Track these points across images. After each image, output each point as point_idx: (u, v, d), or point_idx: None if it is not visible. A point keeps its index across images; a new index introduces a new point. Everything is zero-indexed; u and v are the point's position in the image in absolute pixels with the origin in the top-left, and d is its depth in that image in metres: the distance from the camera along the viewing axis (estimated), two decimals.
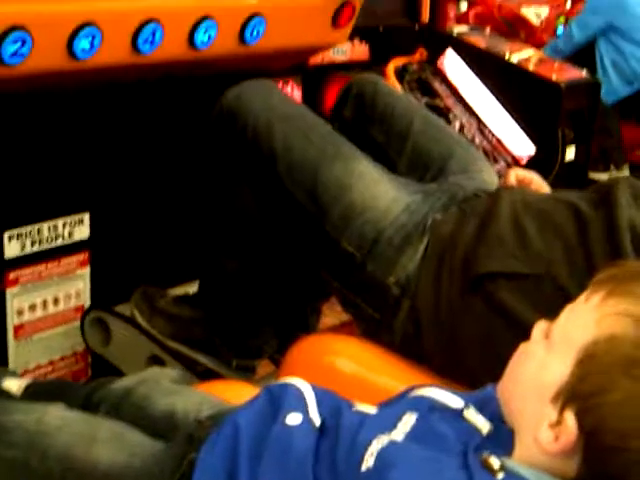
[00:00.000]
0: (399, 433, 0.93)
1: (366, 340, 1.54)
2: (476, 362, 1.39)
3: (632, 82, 4.37)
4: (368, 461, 0.88)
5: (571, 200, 1.44)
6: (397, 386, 1.45)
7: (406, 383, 1.45)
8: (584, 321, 0.85)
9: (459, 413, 0.96)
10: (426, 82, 2.83)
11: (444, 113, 2.81)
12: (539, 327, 0.92)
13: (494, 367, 1.38)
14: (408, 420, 0.95)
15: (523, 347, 0.93)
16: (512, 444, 0.89)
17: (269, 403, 1.03)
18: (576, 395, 0.82)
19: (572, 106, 2.85)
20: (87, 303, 2.01)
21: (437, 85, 2.85)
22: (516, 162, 2.85)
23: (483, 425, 0.94)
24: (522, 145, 2.88)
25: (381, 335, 1.50)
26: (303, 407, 1.01)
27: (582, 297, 0.88)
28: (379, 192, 1.52)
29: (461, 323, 1.40)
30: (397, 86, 2.54)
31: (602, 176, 4.19)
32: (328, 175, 1.53)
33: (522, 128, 2.84)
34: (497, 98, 2.86)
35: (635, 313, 0.82)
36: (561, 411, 0.83)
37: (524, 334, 1.34)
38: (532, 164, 2.81)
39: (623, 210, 1.35)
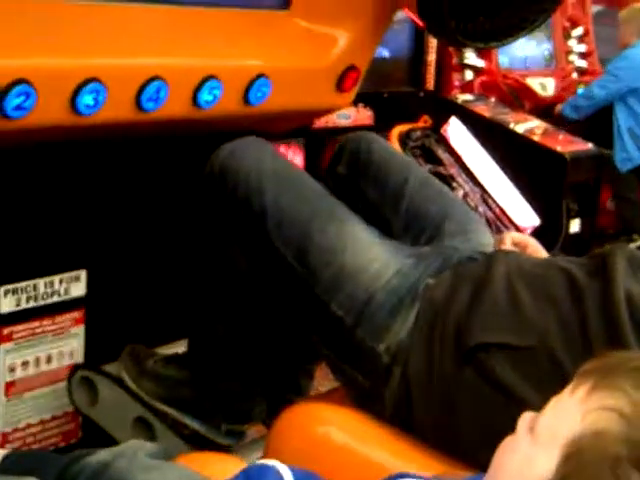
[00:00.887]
0: None
1: (357, 409, 1.50)
2: (469, 434, 1.35)
3: None
4: None
5: (566, 267, 1.41)
6: (388, 459, 1.43)
7: (398, 456, 1.43)
8: (569, 415, 0.83)
9: None
10: (430, 149, 2.83)
11: (447, 181, 2.81)
12: (524, 419, 0.90)
13: (487, 440, 1.35)
14: None
15: (509, 439, 0.90)
16: None
17: None
18: None
19: (577, 178, 2.85)
20: (80, 361, 1.99)
21: (441, 153, 2.86)
22: (519, 232, 2.84)
23: None
24: (526, 216, 2.88)
25: (372, 404, 1.46)
26: None
27: (568, 389, 0.86)
28: (371, 256, 1.50)
29: (453, 394, 1.36)
30: (400, 152, 2.54)
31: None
32: (319, 237, 1.51)
33: (526, 199, 2.83)
34: (501, 168, 2.86)
35: (620, 408, 0.80)
36: None
37: (518, 407, 1.31)
38: (536, 236, 2.79)
39: (620, 280, 1.32)
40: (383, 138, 2.02)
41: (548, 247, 2.92)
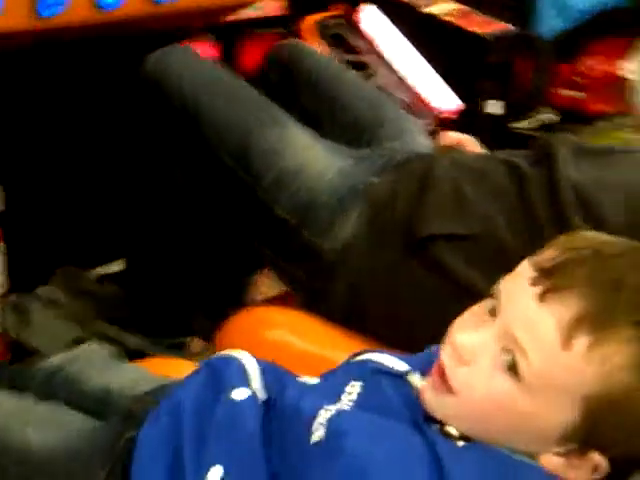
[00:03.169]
0: (346, 402, 0.89)
1: (304, 311, 1.49)
2: (419, 326, 1.35)
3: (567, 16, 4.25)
4: (317, 433, 0.84)
5: (509, 159, 1.42)
6: (340, 356, 1.41)
7: (349, 352, 1.42)
8: (576, 372, 0.77)
9: (403, 377, 0.91)
10: (345, 37, 2.77)
11: (364, 69, 2.76)
12: (473, 345, 0.82)
13: (438, 329, 1.36)
14: (353, 389, 0.91)
15: (465, 375, 0.82)
16: None
17: (211, 378, 0.98)
18: (598, 440, 0.78)
19: (496, 59, 2.83)
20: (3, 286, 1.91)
21: (356, 40, 2.79)
22: (440, 116, 2.83)
23: None
24: (447, 99, 2.85)
25: (319, 305, 1.45)
26: (247, 381, 0.96)
27: (551, 338, 0.78)
28: (312, 157, 1.48)
29: (402, 288, 1.37)
30: (317, 42, 2.48)
31: (523, 124, 4.10)
32: (259, 140, 1.48)
33: (447, 83, 2.80)
34: (420, 53, 2.82)
35: (634, 363, 0.76)
36: (578, 451, 0.79)
37: (467, 295, 1.32)
38: (458, 119, 2.79)
39: (563, 169, 1.34)
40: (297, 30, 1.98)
41: (467, 127, 2.92)
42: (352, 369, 0.96)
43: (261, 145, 1.47)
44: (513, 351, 0.79)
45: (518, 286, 0.82)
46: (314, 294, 1.45)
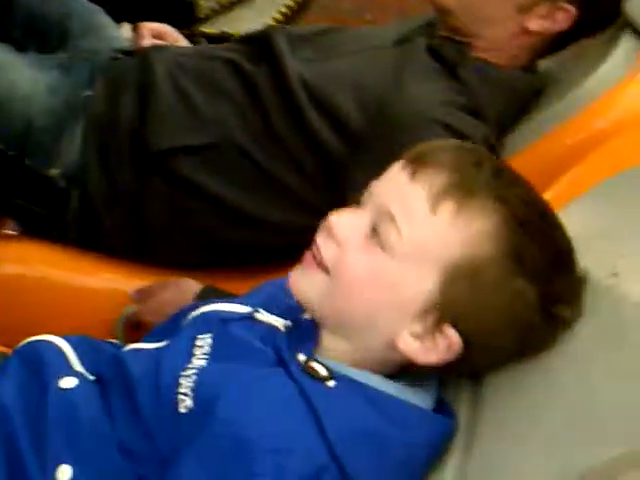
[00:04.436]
0: (200, 359, 0.85)
1: (27, 237, 1.40)
2: (167, 240, 1.35)
3: None
4: (185, 401, 0.81)
5: (229, 57, 1.38)
6: (85, 280, 1.38)
7: (92, 273, 1.38)
8: (442, 237, 0.80)
9: (250, 317, 0.90)
10: None
11: None
12: (347, 227, 0.83)
13: (187, 242, 1.37)
14: (204, 342, 0.87)
15: (338, 253, 0.83)
16: (318, 335, 0.86)
17: (28, 369, 0.91)
18: (452, 311, 0.80)
19: None
20: None
21: None
22: None
23: (278, 322, 0.90)
24: None
25: (50, 231, 1.37)
26: (70, 366, 0.91)
27: (420, 207, 0.81)
28: (14, 76, 1.35)
29: (144, 205, 1.33)
30: None
31: None
32: None
33: None
34: None
35: (498, 230, 0.80)
36: (434, 325, 0.81)
37: (213, 204, 1.34)
38: None
39: (289, 63, 1.33)
40: None
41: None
42: (194, 325, 0.92)
43: None
44: (385, 223, 0.82)
45: (389, 174, 0.85)
46: (44, 221, 1.36)
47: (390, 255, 0.81)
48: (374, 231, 0.82)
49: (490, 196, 0.81)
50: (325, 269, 0.83)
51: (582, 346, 0.82)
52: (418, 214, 0.81)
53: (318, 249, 0.84)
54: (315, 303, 0.85)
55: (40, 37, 1.53)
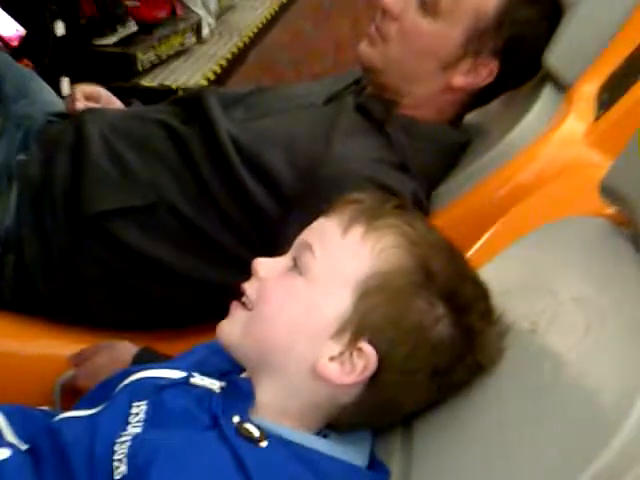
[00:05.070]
0: (135, 426, 0.86)
1: None
2: (104, 301, 1.35)
3: None
4: (120, 467, 0.81)
5: (160, 119, 1.39)
6: (20, 345, 1.37)
7: (28, 338, 1.37)
8: (352, 255, 0.86)
9: (185, 383, 0.91)
10: None
11: None
12: (268, 266, 0.89)
13: (123, 302, 1.37)
14: (139, 409, 0.88)
15: (260, 288, 0.88)
16: (252, 395, 0.88)
17: None
18: (366, 327, 0.84)
19: None
20: None
21: None
22: (6, 44, 2.68)
23: (214, 385, 0.91)
24: (9, 26, 2.71)
25: None
26: (1, 436, 0.90)
27: (333, 233, 0.87)
28: None
29: (80, 268, 1.33)
30: None
31: (112, 39, 3.83)
32: None
33: (5, 9, 2.65)
34: None
35: (406, 245, 0.85)
36: (350, 343, 0.84)
37: (147, 265, 1.34)
38: (25, 46, 2.66)
39: (219, 121, 1.35)
40: None
41: (41, 55, 2.79)
42: (129, 391, 0.92)
43: None
44: (303, 253, 0.87)
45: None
46: None
47: (306, 278, 0.86)
48: (294, 262, 0.88)
49: (397, 218, 0.88)
50: (249, 307, 0.88)
51: (503, 392, 0.85)
52: (332, 239, 0.87)
53: (243, 293, 0.89)
54: (238, 340, 0.88)
55: None
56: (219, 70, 4.17)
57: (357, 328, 0.84)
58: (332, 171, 1.27)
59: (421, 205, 1.30)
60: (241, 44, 4.54)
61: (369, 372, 0.84)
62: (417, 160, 1.32)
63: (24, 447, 0.90)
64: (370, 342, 0.83)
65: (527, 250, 1.07)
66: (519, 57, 1.39)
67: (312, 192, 1.25)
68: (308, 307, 0.86)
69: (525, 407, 0.82)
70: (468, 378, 0.87)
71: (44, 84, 1.63)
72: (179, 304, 1.35)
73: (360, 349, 0.84)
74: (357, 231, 0.87)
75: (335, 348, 0.84)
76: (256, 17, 5.09)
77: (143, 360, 1.18)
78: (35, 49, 2.63)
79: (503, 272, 1.04)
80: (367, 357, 0.83)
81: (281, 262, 0.90)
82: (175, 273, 1.32)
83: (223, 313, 0.91)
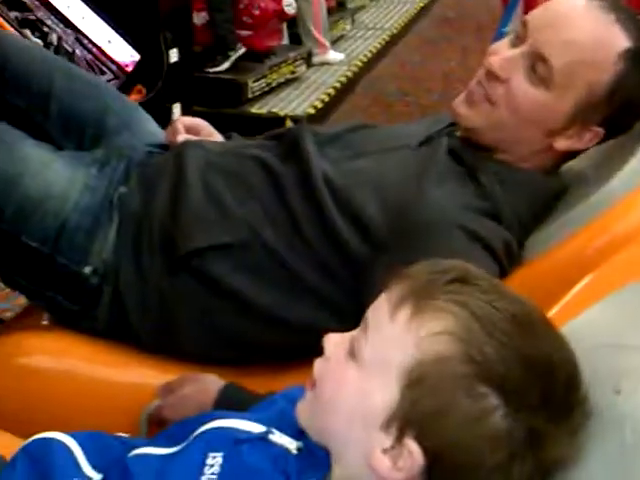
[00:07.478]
0: (210, 478, 0.87)
1: (57, 328, 1.43)
2: (193, 336, 1.37)
3: None
4: None
5: (258, 155, 1.41)
6: (112, 373, 1.40)
7: (119, 367, 1.41)
8: (398, 342, 0.82)
9: (264, 438, 0.91)
10: None
11: (38, 27, 2.63)
12: (334, 343, 0.88)
13: (212, 339, 1.39)
14: (215, 461, 0.89)
15: (323, 369, 0.87)
16: (328, 461, 0.87)
17: (34, 469, 0.93)
18: (412, 420, 0.80)
19: (168, 6, 2.79)
20: None
21: None
22: (122, 70, 2.77)
23: (291, 444, 0.91)
24: (124, 51, 2.80)
25: (80, 323, 1.40)
26: (78, 468, 0.93)
27: (383, 315, 0.84)
28: (52, 175, 1.39)
29: (171, 301, 1.35)
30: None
31: (224, 65, 3.93)
32: None
33: (122, 35, 2.74)
34: (91, 6, 2.72)
35: (450, 331, 0.80)
36: (399, 437, 0.81)
37: (238, 302, 1.35)
38: (139, 71, 2.75)
39: (314, 162, 1.35)
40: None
41: (152, 80, 2.89)
42: (206, 439, 0.93)
43: None
44: (360, 335, 0.86)
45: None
46: (76, 315, 1.39)
47: (359, 364, 0.85)
48: (351, 345, 0.86)
49: (448, 299, 0.82)
50: (314, 386, 0.88)
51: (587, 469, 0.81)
52: (381, 322, 0.85)
53: (313, 368, 0.89)
54: (306, 423, 0.89)
55: (77, 135, 1.58)
56: (327, 99, 4.21)
57: (403, 421, 0.81)
58: (423, 217, 1.25)
59: (511, 256, 1.27)
60: (350, 73, 4.58)
61: (416, 471, 0.81)
62: (510, 209, 1.30)
63: (98, 477, 0.93)
64: (417, 437, 0.80)
65: (616, 308, 1.04)
66: (627, 119, 1.36)
67: (403, 237, 1.25)
68: (359, 394, 0.84)
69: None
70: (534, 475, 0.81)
71: (147, 115, 1.67)
72: (267, 342, 1.36)
73: (406, 445, 0.81)
74: (404, 314, 0.83)
75: (386, 441, 0.82)
76: (365, 47, 5.13)
77: (228, 394, 1.21)
78: (148, 75, 2.71)
79: (589, 329, 1.01)
80: (412, 456, 0.81)
81: (347, 338, 0.88)
82: (263, 310, 1.33)
83: (310, 353, 0.91)
